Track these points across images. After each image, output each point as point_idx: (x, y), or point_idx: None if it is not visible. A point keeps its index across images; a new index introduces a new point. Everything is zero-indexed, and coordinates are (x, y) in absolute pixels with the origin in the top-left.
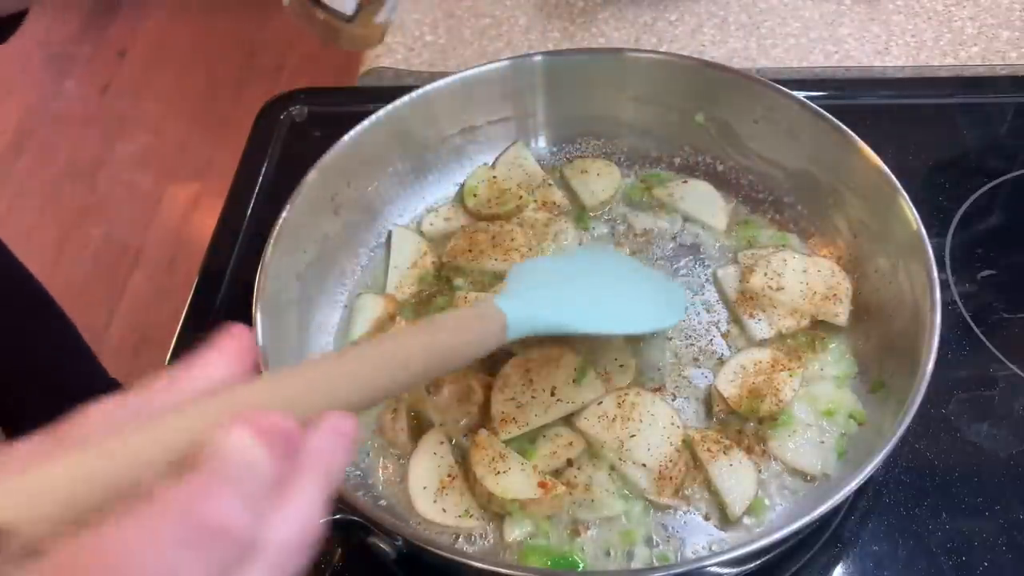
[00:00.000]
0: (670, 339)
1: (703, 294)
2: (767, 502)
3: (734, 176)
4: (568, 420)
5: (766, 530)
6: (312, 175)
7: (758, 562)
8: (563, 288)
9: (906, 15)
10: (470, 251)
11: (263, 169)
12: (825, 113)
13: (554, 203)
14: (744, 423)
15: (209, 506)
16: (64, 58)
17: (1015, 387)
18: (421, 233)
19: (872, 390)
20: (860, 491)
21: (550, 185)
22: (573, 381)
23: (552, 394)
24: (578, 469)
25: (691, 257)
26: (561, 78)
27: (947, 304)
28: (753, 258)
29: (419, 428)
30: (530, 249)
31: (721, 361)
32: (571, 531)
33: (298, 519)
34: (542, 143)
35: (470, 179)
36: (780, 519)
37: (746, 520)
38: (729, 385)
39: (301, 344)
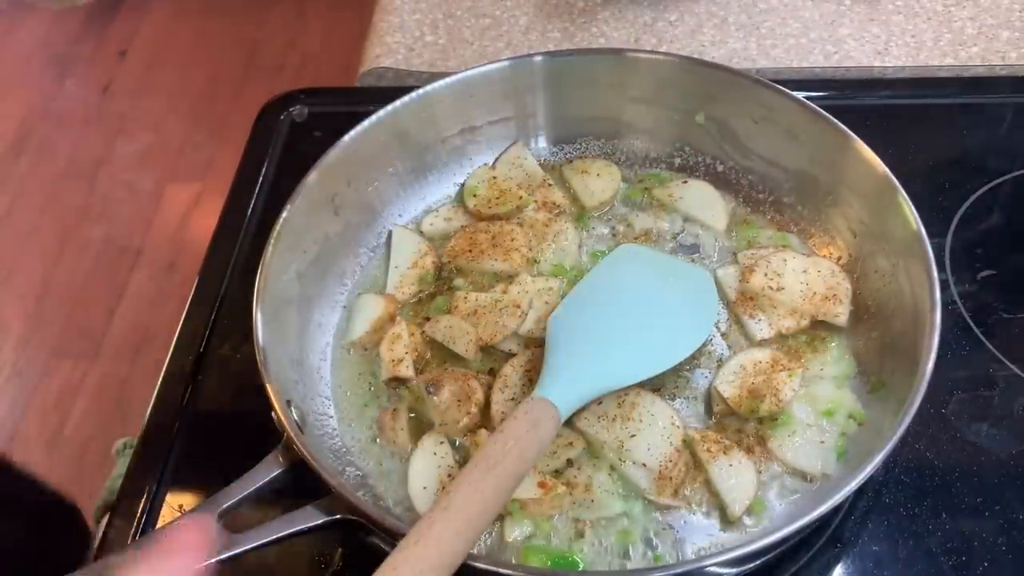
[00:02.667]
0: None
1: None
2: (767, 502)
3: (734, 176)
4: (568, 420)
5: (766, 530)
6: (312, 175)
7: (758, 562)
8: (603, 336)
9: (906, 15)
10: (470, 251)
11: (263, 169)
12: (825, 113)
13: (554, 203)
14: (744, 423)
15: None
16: (64, 58)
17: (1015, 387)
18: (421, 233)
19: (872, 390)
20: (860, 491)
21: (550, 185)
22: None
23: None
24: (578, 469)
25: (691, 257)
26: (561, 78)
27: (947, 304)
28: (753, 258)
29: (419, 428)
30: (530, 249)
31: (721, 361)
32: (571, 531)
33: None
34: (542, 143)
35: (470, 179)
36: (780, 519)
37: (746, 520)
38: (729, 385)
39: (301, 344)
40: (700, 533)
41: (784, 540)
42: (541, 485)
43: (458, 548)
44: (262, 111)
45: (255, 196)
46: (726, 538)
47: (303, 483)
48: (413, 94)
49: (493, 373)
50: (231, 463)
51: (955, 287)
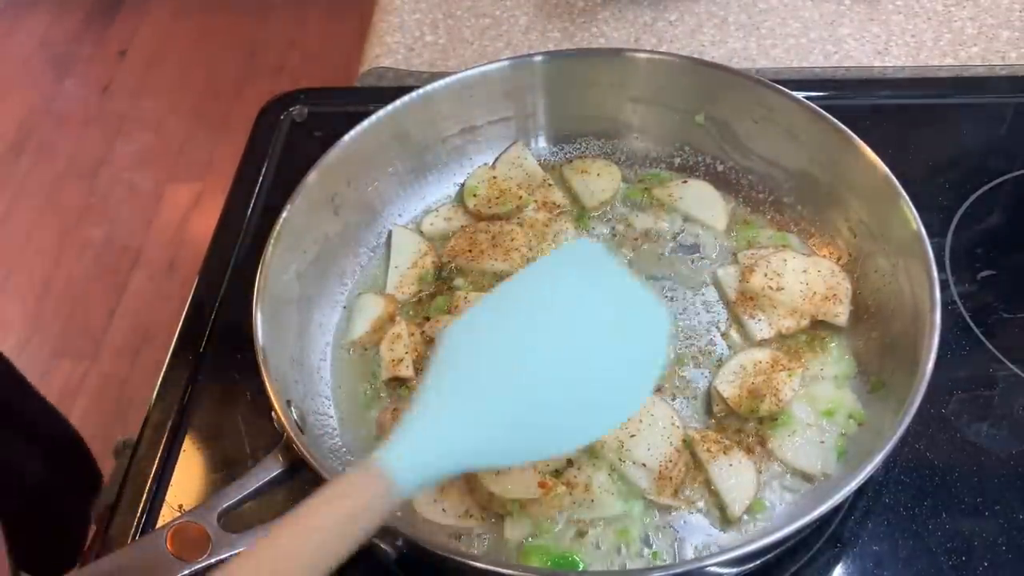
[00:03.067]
0: (671, 339)
1: (703, 294)
2: (767, 502)
3: (734, 176)
4: None
5: (766, 530)
6: (312, 175)
7: (758, 562)
8: (506, 384)
9: (906, 15)
10: (470, 251)
11: (263, 169)
12: (825, 113)
13: (554, 203)
14: (744, 423)
15: None
16: (64, 58)
17: (1015, 387)
18: (421, 233)
19: (872, 390)
20: (860, 491)
21: (550, 185)
22: None
23: None
24: (578, 469)
25: (691, 257)
26: (561, 78)
27: (947, 304)
28: (753, 258)
29: None
30: (530, 249)
31: (721, 361)
32: (571, 531)
33: None
34: (542, 143)
35: (470, 179)
36: (780, 519)
37: (746, 520)
38: (729, 385)
39: (301, 344)
40: (700, 533)
41: (784, 540)
42: (541, 485)
43: None
44: (262, 111)
45: (255, 196)
46: (726, 538)
47: (303, 483)
48: (413, 94)
49: None
50: (231, 463)
51: (955, 287)
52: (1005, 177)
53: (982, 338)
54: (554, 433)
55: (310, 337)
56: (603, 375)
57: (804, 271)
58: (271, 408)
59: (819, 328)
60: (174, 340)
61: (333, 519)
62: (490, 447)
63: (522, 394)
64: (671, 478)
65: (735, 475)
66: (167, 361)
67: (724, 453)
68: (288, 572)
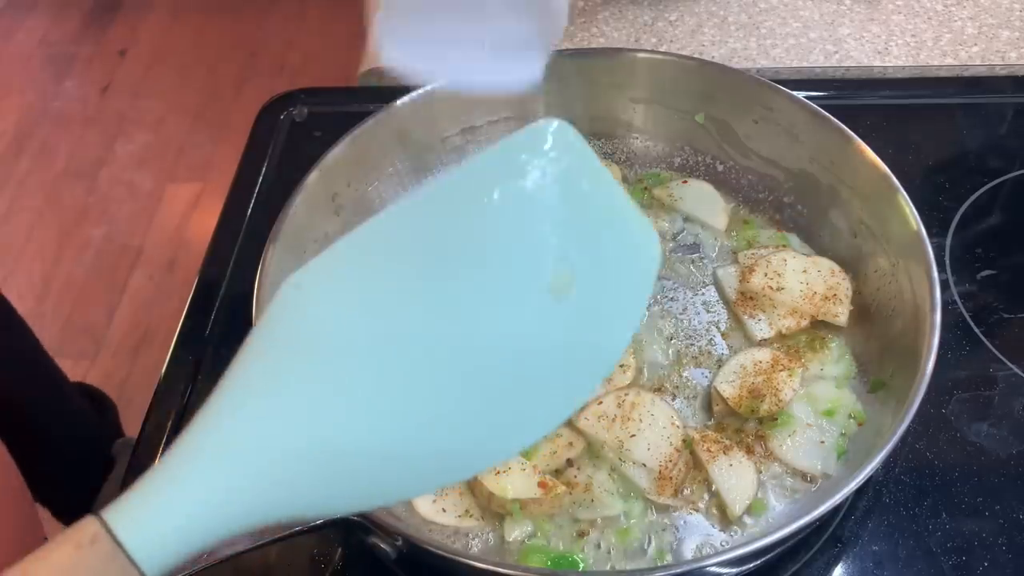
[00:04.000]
0: (671, 339)
1: (703, 294)
2: (767, 502)
3: (734, 176)
4: (568, 420)
5: (766, 530)
6: (313, 175)
7: (758, 562)
8: (354, 384)
9: (906, 15)
10: None
11: (263, 169)
12: (825, 113)
13: None
14: (744, 423)
15: None
16: (64, 58)
17: (1015, 387)
18: None
19: (872, 390)
20: (860, 491)
21: None
22: None
23: None
24: (578, 469)
25: (691, 257)
26: (561, 78)
27: (947, 304)
28: (753, 258)
29: None
30: None
31: (721, 361)
32: (571, 531)
33: None
34: None
35: None
36: (780, 519)
37: (746, 520)
38: (729, 385)
39: None
40: (700, 533)
41: (784, 540)
42: (541, 485)
43: None
44: (262, 111)
45: (255, 196)
46: (726, 538)
47: None
48: (413, 94)
49: None
50: None
51: (955, 287)
52: (1005, 177)
53: (982, 338)
54: (465, 449)
55: None
56: (548, 343)
57: (804, 271)
58: None
59: (819, 328)
60: (174, 340)
61: None
62: (338, 487)
63: (411, 393)
64: (671, 478)
65: (735, 475)
66: (167, 361)
67: (724, 453)
68: None
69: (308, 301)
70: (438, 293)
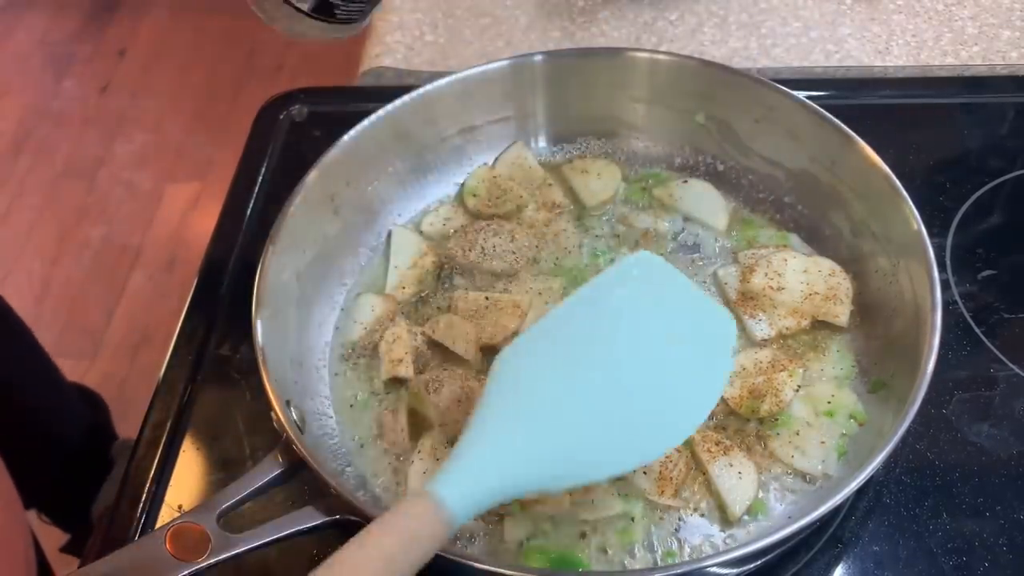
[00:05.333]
0: None
1: None
2: (767, 502)
3: (734, 176)
4: None
5: (766, 530)
6: (312, 175)
7: (758, 562)
8: (564, 404)
9: (906, 15)
10: (470, 251)
11: (263, 169)
12: (825, 113)
13: (554, 203)
14: (744, 423)
15: None
16: (64, 57)
17: (1015, 387)
18: (421, 233)
19: (872, 390)
20: (860, 491)
21: (550, 185)
22: None
23: None
24: None
25: (691, 257)
26: (561, 78)
27: (947, 304)
28: (753, 258)
29: (419, 428)
30: (530, 249)
31: None
32: (572, 531)
33: None
34: (542, 143)
35: (470, 179)
36: (780, 519)
37: (746, 520)
38: (729, 385)
39: (301, 344)
40: (700, 533)
41: (784, 540)
42: None
43: None
44: (261, 111)
45: (254, 196)
46: (726, 538)
47: (303, 483)
48: (413, 94)
49: None
50: (231, 463)
51: (956, 287)
52: (1006, 177)
53: (983, 338)
54: (614, 453)
55: (310, 337)
56: (667, 391)
57: (804, 271)
58: (271, 408)
59: (819, 328)
60: (173, 340)
61: (388, 551)
62: (547, 472)
63: (581, 417)
64: (671, 478)
65: (735, 475)
66: (166, 361)
67: (724, 453)
68: None
69: (516, 364)
70: (589, 356)
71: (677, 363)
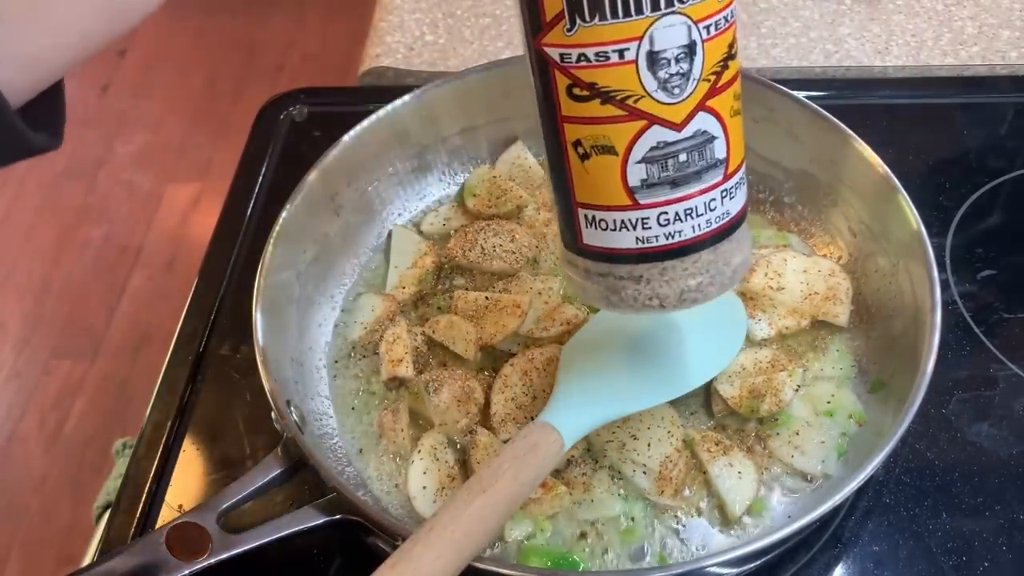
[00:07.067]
0: None
1: None
2: (767, 502)
3: None
4: None
5: (766, 530)
6: (312, 175)
7: (758, 562)
8: (619, 364)
9: (906, 15)
10: (470, 251)
11: (263, 169)
12: (825, 113)
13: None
14: (744, 423)
15: None
16: None
17: (1015, 387)
18: (421, 233)
19: (872, 390)
20: (860, 491)
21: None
22: None
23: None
24: (578, 469)
25: None
26: None
27: (947, 304)
28: (753, 258)
29: (419, 428)
30: (530, 249)
31: None
32: (571, 531)
33: None
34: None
35: (470, 179)
36: (780, 519)
37: (746, 520)
38: (729, 385)
39: (301, 344)
40: (700, 533)
41: (784, 540)
42: (541, 485)
43: (440, 571)
44: (262, 111)
45: (255, 196)
46: (726, 538)
47: (303, 483)
48: (413, 94)
49: (493, 373)
50: (231, 463)
51: (956, 287)
52: (1005, 177)
53: (983, 338)
54: (665, 387)
55: (310, 337)
56: (699, 347)
57: (804, 271)
58: (271, 408)
59: (819, 328)
60: (174, 340)
61: (529, 469)
62: (618, 403)
63: (636, 367)
64: (671, 478)
65: (735, 475)
66: (167, 361)
67: (724, 453)
68: (497, 517)
69: (587, 337)
70: (644, 330)
71: (704, 327)
